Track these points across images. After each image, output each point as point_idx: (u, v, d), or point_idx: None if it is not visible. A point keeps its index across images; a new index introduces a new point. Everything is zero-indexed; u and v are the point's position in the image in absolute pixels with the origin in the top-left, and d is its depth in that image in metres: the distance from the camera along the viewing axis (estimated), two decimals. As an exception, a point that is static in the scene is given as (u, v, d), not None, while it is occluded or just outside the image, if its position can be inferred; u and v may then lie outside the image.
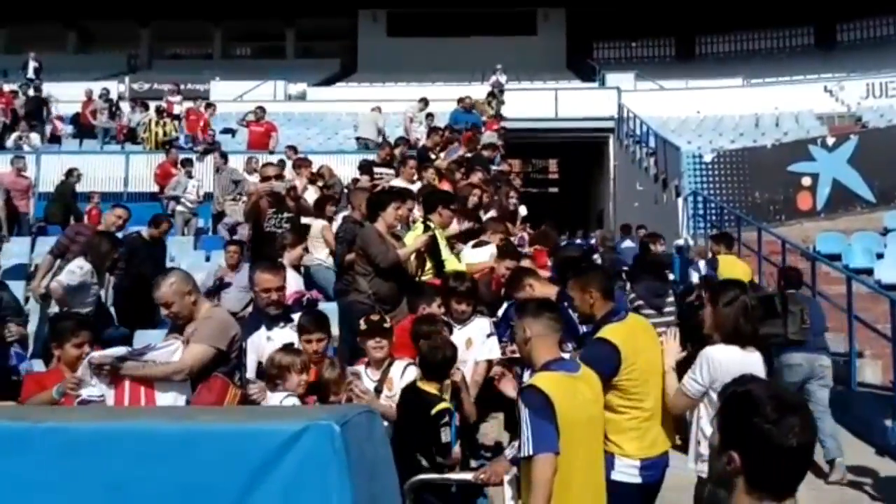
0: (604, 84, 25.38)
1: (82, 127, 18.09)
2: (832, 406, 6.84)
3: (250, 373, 4.33)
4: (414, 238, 6.21)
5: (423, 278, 6.05)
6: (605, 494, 3.38)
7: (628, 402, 3.67)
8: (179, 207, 12.72)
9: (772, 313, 6.48)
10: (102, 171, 15.55)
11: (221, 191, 12.00)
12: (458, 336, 4.89)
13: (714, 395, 3.59)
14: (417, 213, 6.93)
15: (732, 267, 8.44)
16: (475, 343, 5.03)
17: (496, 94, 18.75)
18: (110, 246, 7.24)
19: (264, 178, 8.82)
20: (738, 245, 11.16)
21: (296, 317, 4.65)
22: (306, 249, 6.88)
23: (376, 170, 10.84)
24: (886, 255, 11.82)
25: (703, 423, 3.75)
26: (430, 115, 15.78)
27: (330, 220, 8.15)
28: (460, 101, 15.53)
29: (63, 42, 31.82)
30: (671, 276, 9.15)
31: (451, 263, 6.23)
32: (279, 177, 9.23)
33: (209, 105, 17.48)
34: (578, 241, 16.46)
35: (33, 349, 6.90)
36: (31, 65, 20.38)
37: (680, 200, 14.32)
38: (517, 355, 3.95)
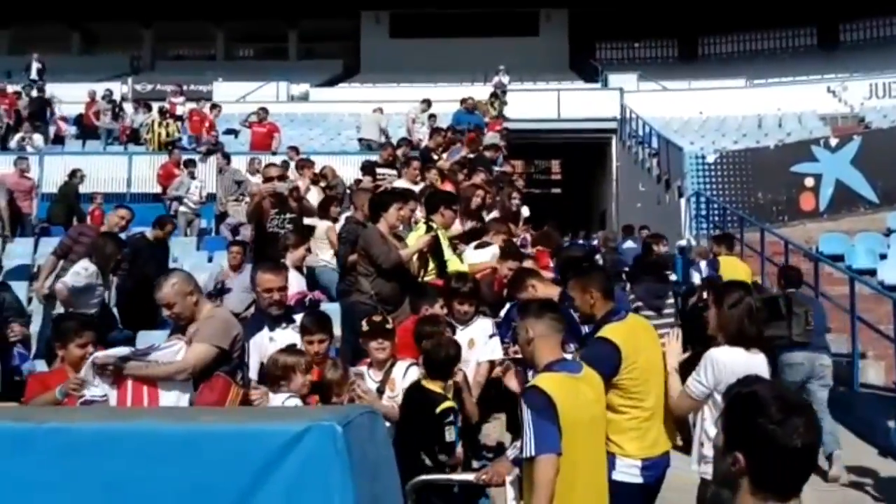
0: (606, 85, 25.35)
1: (85, 128, 18.13)
2: (835, 407, 6.84)
3: (253, 374, 4.33)
4: (416, 238, 6.21)
5: (426, 279, 6.05)
6: (608, 495, 3.38)
7: (629, 402, 3.67)
8: (182, 208, 12.74)
9: (776, 315, 6.48)
10: (105, 171, 15.57)
11: (224, 191, 12.01)
12: (461, 337, 4.88)
13: (718, 397, 3.59)
14: (420, 213, 6.93)
15: (733, 268, 8.45)
16: (477, 344, 5.02)
17: (499, 95, 18.76)
18: (115, 247, 7.26)
19: (267, 179, 8.82)
20: (741, 246, 11.17)
21: (298, 317, 4.65)
22: (309, 250, 6.88)
23: (379, 170, 10.84)
24: (889, 256, 11.82)
25: (707, 424, 3.74)
26: (432, 116, 15.78)
27: (335, 221, 8.15)
28: (463, 101, 15.53)
29: (66, 43, 31.85)
30: (673, 277, 9.13)
31: (453, 264, 6.23)
32: (282, 177, 9.23)
33: (214, 106, 17.50)
34: (580, 241, 16.45)
35: (36, 349, 6.92)
36: (35, 66, 20.41)
37: (683, 201, 14.32)
38: (519, 356, 3.96)
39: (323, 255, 7.79)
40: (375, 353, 4.47)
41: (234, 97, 22.68)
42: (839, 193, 14.33)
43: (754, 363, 3.68)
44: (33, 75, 20.11)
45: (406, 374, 4.39)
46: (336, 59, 31.31)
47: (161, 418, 2.73)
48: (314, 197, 9.58)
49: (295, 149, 13.97)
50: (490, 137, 13.89)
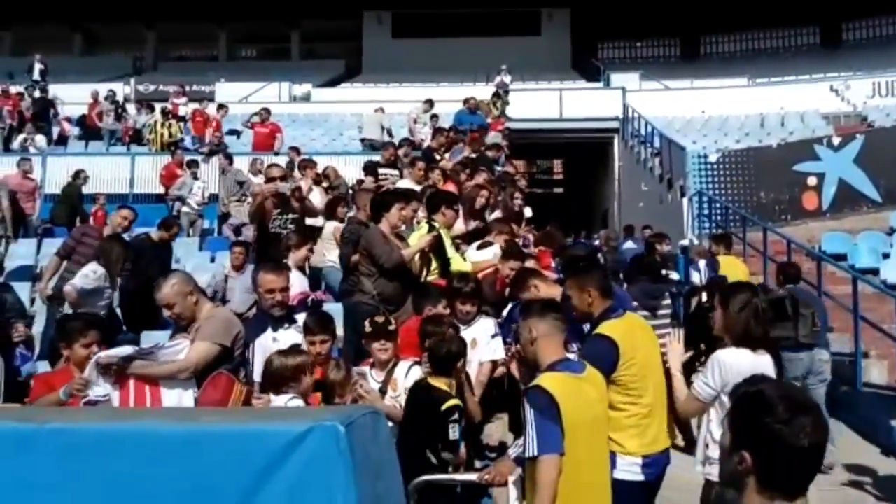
0: (608, 84, 25.34)
1: (88, 129, 18.15)
2: (838, 406, 6.85)
3: (257, 375, 4.32)
4: (418, 238, 6.21)
5: (429, 278, 6.05)
6: (611, 494, 3.38)
7: (627, 398, 3.67)
8: (185, 208, 12.75)
9: (782, 316, 6.48)
10: (108, 172, 15.61)
11: (226, 192, 12.01)
12: (463, 337, 4.88)
13: (725, 399, 3.57)
14: (421, 213, 6.93)
15: (732, 268, 8.46)
16: (480, 344, 5.02)
17: (501, 95, 18.75)
18: (122, 250, 7.29)
19: (269, 179, 8.82)
20: (744, 245, 11.16)
21: (300, 318, 4.64)
22: (311, 250, 6.88)
23: (381, 171, 10.84)
24: (892, 255, 11.80)
25: (713, 426, 3.73)
26: (434, 116, 15.78)
27: (342, 221, 8.14)
28: (465, 101, 15.53)
29: (69, 44, 31.92)
30: (676, 277, 9.12)
31: (457, 263, 6.23)
32: (284, 178, 9.23)
33: (221, 106, 17.51)
34: (583, 241, 16.44)
35: (39, 350, 6.93)
36: (37, 67, 20.44)
37: (685, 200, 14.31)
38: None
39: (330, 255, 7.79)
40: (378, 353, 4.47)
41: (237, 98, 22.70)
42: (842, 192, 14.31)
43: (760, 364, 3.66)
44: (36, 76, 20.15)
45: (408, 374, 4.39)
46: (338, 60, 31.33)
47: (163, 419, 2.73)
48: (316, 197, 9.58)
49: (296, 149, 13.97)
50: (492, 137, 13.89)
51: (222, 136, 16.55)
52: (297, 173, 10.69)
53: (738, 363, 3.67)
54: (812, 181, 14.41)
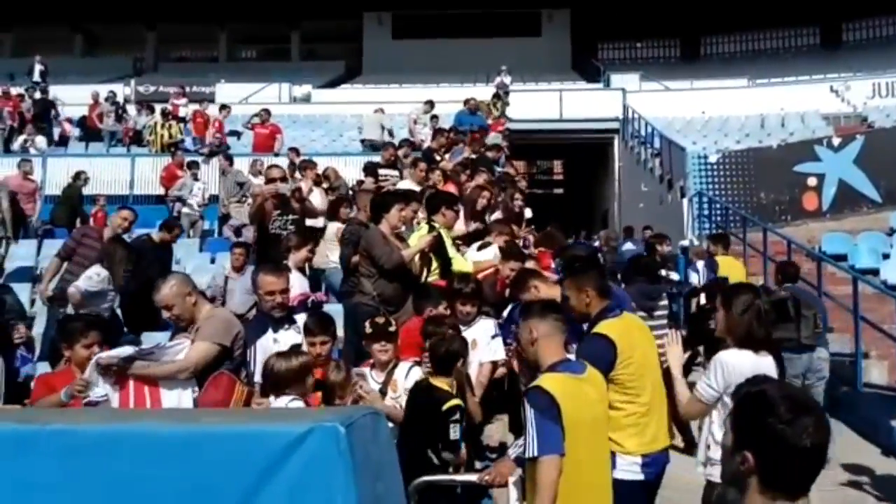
0: (608, 85, 25.34)
1: (88, 130, 18.15)
2: (838, 406, 6.85)
3: (258, 377, 4.32)
4: (418, 239, 6.22)
5: (430, 279, 6.05)
6: (611, 494, 3.38)
7: (625, 398, 3.68)
8: (185, 209, 12.75)
9: (784, 317, 6.48)
10: (108, 173, 15.60)
11: (226, 193, 12.02)
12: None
13: (728, 400, 3.58)
14: (421, 214, 6.93)
15: (730, 268, 8.46)
16: (480, 344, 5.02)
17: (501, 96, 18.76)
18: (125, 253, 7.30)
19: (269, 181, 8.83)
20: (744, 246, 11.16)
21: (300, 318, 4.65)
22: (312, 251, 6.88)
23: (381, 171, 10.84)
24: (893, 256, 11.80)
25: (715, 427, 3.73)
26: (434, 117, 15.79)
27: (344, 222, 8.14)
28: (465, 102, 15.52)
29: (69, 45, 31.93)
30: (675, 277, 9.13)
31: (458, 263, 6.23)
32: (284, 179, 9.24)
33: (224, 107, 17.51)
34: (583, 241, 16.44)
35: (40, 352, 6.93)
36: (38, 68, 20.46)
37: (685, 201, 14.31)
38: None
39: (333, 256, 7.78)
40: (378, 354, 4.47)
41: (237, 98, 22.69)
42: (842, 193, 14.31)
43: (763, 366, 3.66)
44: (36, 77, 20.17)
45: (408, 375, 4.40)
46: (338, 61, 31.34)
47: (164, 420, 2.73)
48: (316, 198, 9.59)
49: (296, 150, 13.97)
50: (492, 138, 13.90)
51: (224, 137, 16.54)
52: (297, 174, 10.71)
53: (740, 364, 3.67)
54: (812, 182, 14.41)
